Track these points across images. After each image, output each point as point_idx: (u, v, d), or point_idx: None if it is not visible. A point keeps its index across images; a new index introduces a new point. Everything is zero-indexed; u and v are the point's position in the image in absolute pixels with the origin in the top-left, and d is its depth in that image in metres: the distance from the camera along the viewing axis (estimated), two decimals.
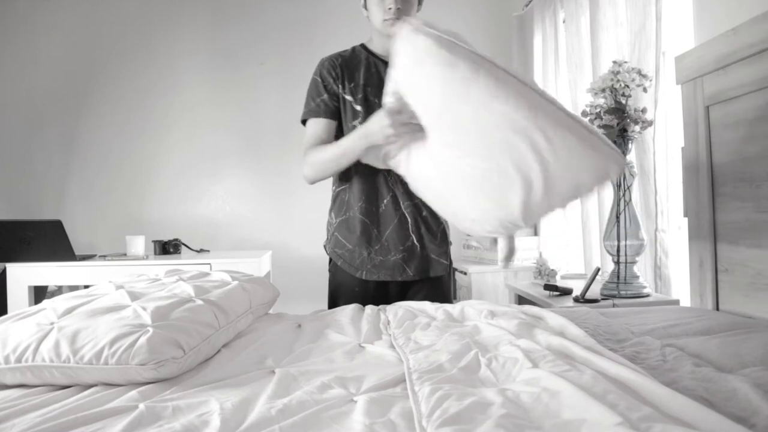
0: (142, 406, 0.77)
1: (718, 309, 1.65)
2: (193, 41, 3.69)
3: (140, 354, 0.90)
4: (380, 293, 1.67)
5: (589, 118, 2.05)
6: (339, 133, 1.63)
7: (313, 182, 1.61)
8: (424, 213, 1.63)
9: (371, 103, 1.60)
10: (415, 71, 1.15)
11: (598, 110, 2.01)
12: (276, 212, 3.70)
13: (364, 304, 1.58)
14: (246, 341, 1.17)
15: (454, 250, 3.65)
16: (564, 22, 2.93)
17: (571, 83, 2.75)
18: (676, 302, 1.97)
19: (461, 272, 3.42)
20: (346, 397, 0.81)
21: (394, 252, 1.63)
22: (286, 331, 1.27)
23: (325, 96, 1.63)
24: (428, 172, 1.31)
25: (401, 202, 1.61)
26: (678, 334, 1.22)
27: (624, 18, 2.28)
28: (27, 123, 3.60)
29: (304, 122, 1.66)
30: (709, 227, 1.68)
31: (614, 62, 2.00)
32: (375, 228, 1.63)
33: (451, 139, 1.19)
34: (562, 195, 1.12)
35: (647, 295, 2.01)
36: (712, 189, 1.67)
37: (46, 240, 2.45)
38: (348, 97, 1.62)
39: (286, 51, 3.59)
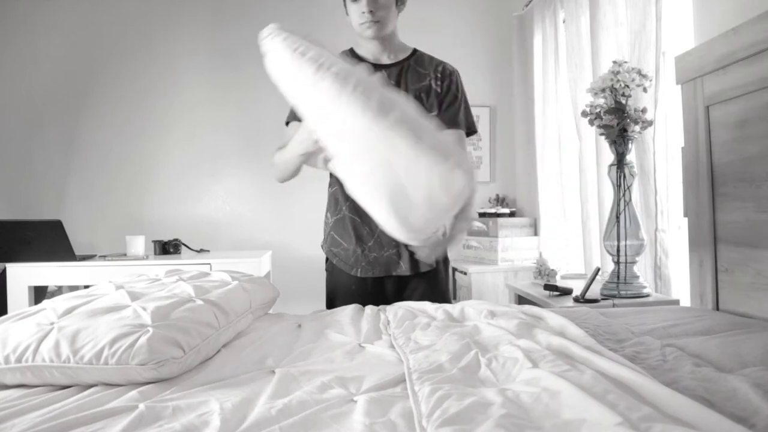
0: (142, 406, 0.77)
1: (718, 309, 1.65)
2: (193, 41, 3.69)
3: (140, 354, 0.90)
4: (377, 290, 1.67)
5: (589, 118, 2.05)
6: None
7: (280, 182, 1.60)
8: None
9: None
10: (279, 74, 1.09)
11: (598, 110, 2.01)
12: (276, 212, 3.70)
13: (361, 301, 1.59)
14: (246, 341, 1.17)
15: (454, 250, 3.65)
16: (564, 22, 2.93)
17: (571, 83, 2.75)
18: (676, 302, 1.97)
19: (461, 272, 3.42)
20: (346, 397, 0.81)
21: (387, 248, 1.64)
22: (286, 331, 1.27)
23: None
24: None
25: None
26: (678, 334, 1.22)
27: (624, 18, 2.28)
28: (27, 123, 3.60)
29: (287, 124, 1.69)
30: (709, 227, 1.68)
31: (614, 62, 2.00)
32: (366, 225, 1.64)
33: (332, 139, 1.13)
34: (423, 206, 1.04)
35: (647, 295, 2.01)
36: (712, 189, 1.67)
37: (46, 240, 2.45)
38: None
39: None
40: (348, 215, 1.65)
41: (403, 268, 1.65)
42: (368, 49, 1.65)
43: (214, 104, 3.69)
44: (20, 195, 3.59)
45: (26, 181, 3.59)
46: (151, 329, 0.95)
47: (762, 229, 1.48)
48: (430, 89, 1.61)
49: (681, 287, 2.06)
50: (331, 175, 1.72)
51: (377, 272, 1.66)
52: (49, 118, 3.61)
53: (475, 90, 3.80)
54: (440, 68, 1.65)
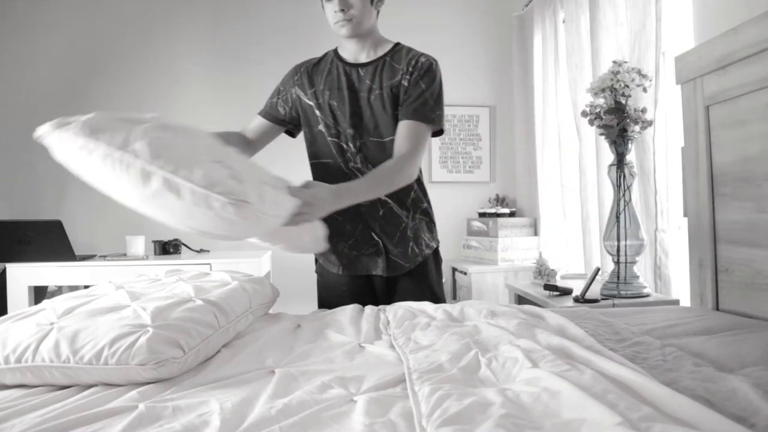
0: (142, 406, 0.77)
1: (718, 309, 1.65)
2: (193, 41, 3.69)
3: (140, 354, 0.90)
4: (367, 289, 1.67)
5: (589, 118, 2.05)
6: (321, 138, 1.65)
7: None
8: (381, 213, 1.62)
9: (330, 107, 1.62)
10: (64, 160, 1.12)
11: (598, 110, 2.01)
12: None
13: (353, 301, 1.58)
14: (246, 341, 1.17)
15: (454, 250, 3.65)
16: (564, 22, 2.93)
17: (571, 83, 2.75)
18: (676, 302, 1.97)
19: (461, 272, 3.42)
20: (346, 397, 0.81)
21: (367, 246, 1.64)
22: (286, 331, 1.26)
23: (275, 100, 1.72)
24: None
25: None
26: (678, 334, 1.22)
27: (624, 18, 2.28)
28: (27, 123, 3.58)
29: None
30: (709, 227, 1.68)
31: (614, 62, 2.00)
32: (347, 223, 1.64)
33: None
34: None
35: (647, 295, 2.01)
36: (712, 189, 1.67)
37: (46, 240, 2.45)
38: (311, 103, 1.66)
39: (286, 51, 3.58)
40: (332, 215, 1.65)
41: (380, 268, 1.64)
42: (347, 49, 1.65)
43: (214, 104, 3.68)
44: (20, 195, 3.59)
45: (26, 181, 3.59)
46: (150, 329, 0.95)
47: (762, 229, 1.48)
48: (399, 85, 1.58)
49: (681, 287, 2.06)
50: (314, 177, 1.71)
51: (359, 271, 1.66)
52: (49, 118, 3.57)
53: (475, 90, 3.81)
54: (413, 61, 1.59)
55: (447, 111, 4.25)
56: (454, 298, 3.58)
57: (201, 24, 3.70)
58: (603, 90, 1.98)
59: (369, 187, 1.49)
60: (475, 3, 3.81)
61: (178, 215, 1.07)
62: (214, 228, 1.09)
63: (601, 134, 2.06)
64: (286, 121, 1.72)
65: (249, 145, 1.72)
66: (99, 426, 0.72)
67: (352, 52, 1.64)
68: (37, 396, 0.87)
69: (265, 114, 1.73)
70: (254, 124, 1.74)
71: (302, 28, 3.63)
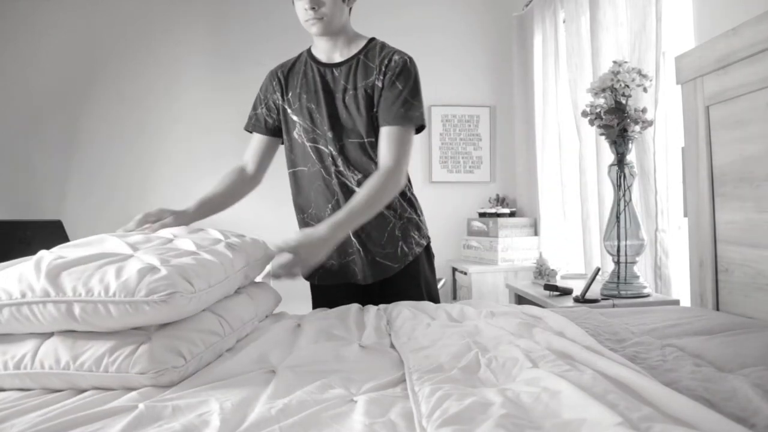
0: (141, 406, 0.77)
1: (718, 309, 1.65)
2: (193, 41, 3.69)
3: (140, 362, 0.88)
4: (359, 292, 1.65)
5: (589, 118, 2.05)
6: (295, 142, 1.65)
7: None
8: None
9: (309, 110, 1.60)
10: None
11: (598, 110, 2.01)
12: (276, 212, 3.69)
13: (345, 303, 1.56)
14: (246, 341, 1.17)
15: (454, 250, 3.65)
16: (564, 22, 2.93)
17: (571, 83, 2.75)
18: (676, 302, 1.97)
19: (461, 272, 3.42)
20: (346, 397, 0.81)
21: (344, 255, 1.62)
22: (286, 330, 1.26)
23: (260, 110, 1.70)
24: None
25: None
26: (678, 334, 1.22)
27: (624, 18, 2.28)
28: (27, 123, 3.60)
29: None
30: (709, 227, 1.67)
31: (614, 62, 2.00)
32: None
33: None
34: None
35: (647, 295, 2.01)
36: (712, 189, 1.67)
37: (46, 240, 2.44)
38: (287, 107, 1.64)
39: (286, 52, 3.58)
40: (310, 223, 1.63)
41: (359, 277, 1.62)
42: (320, 48, 1.62)
43: (214, 104, 3.69)
44: (20, 195, 3.58)
45: (26, 181, 3.59)
46: (151, 338, 0.93)
47: (762, 229, 1.48)
48: (374, 86, 1.54)
49: (681, 287, 2.06)
50: (293, 187, 1.72)
51: (338, 279, 1.64)
52: (49, 118, 3.61)
53: (475, 90, 3.81)
54: (386, 60, 1.54)
55: (447, 111, 4.26)
56: (454, 298, 3.58)
57: (201, 24, 3.70)
58: (603, 90, 1.98)
59: (360, 214, 1.44)
60: (475, 3, 3.81)
61: (125, 323, 0.93)
62: (162, 320, 0.95)
63: (602, 134, 2.06)
64: (279, 128, 1.69)
65: (249, 178, 1.74)
66: (99, 426, 0.72)
67: (325, 50, 1.61)
68: (36, 397, 0.86)
69: (260, 130, 1.71)
70: (253, 143, 1.73)
71: (302, 29, 3.63)
